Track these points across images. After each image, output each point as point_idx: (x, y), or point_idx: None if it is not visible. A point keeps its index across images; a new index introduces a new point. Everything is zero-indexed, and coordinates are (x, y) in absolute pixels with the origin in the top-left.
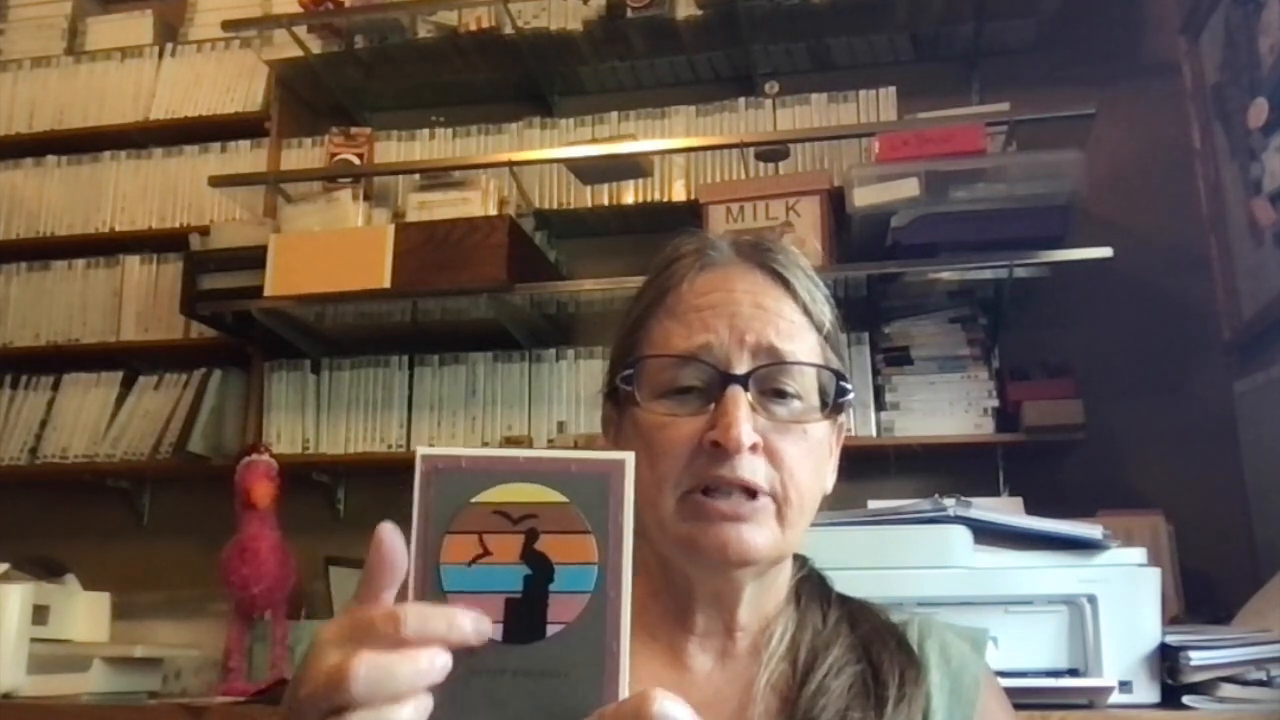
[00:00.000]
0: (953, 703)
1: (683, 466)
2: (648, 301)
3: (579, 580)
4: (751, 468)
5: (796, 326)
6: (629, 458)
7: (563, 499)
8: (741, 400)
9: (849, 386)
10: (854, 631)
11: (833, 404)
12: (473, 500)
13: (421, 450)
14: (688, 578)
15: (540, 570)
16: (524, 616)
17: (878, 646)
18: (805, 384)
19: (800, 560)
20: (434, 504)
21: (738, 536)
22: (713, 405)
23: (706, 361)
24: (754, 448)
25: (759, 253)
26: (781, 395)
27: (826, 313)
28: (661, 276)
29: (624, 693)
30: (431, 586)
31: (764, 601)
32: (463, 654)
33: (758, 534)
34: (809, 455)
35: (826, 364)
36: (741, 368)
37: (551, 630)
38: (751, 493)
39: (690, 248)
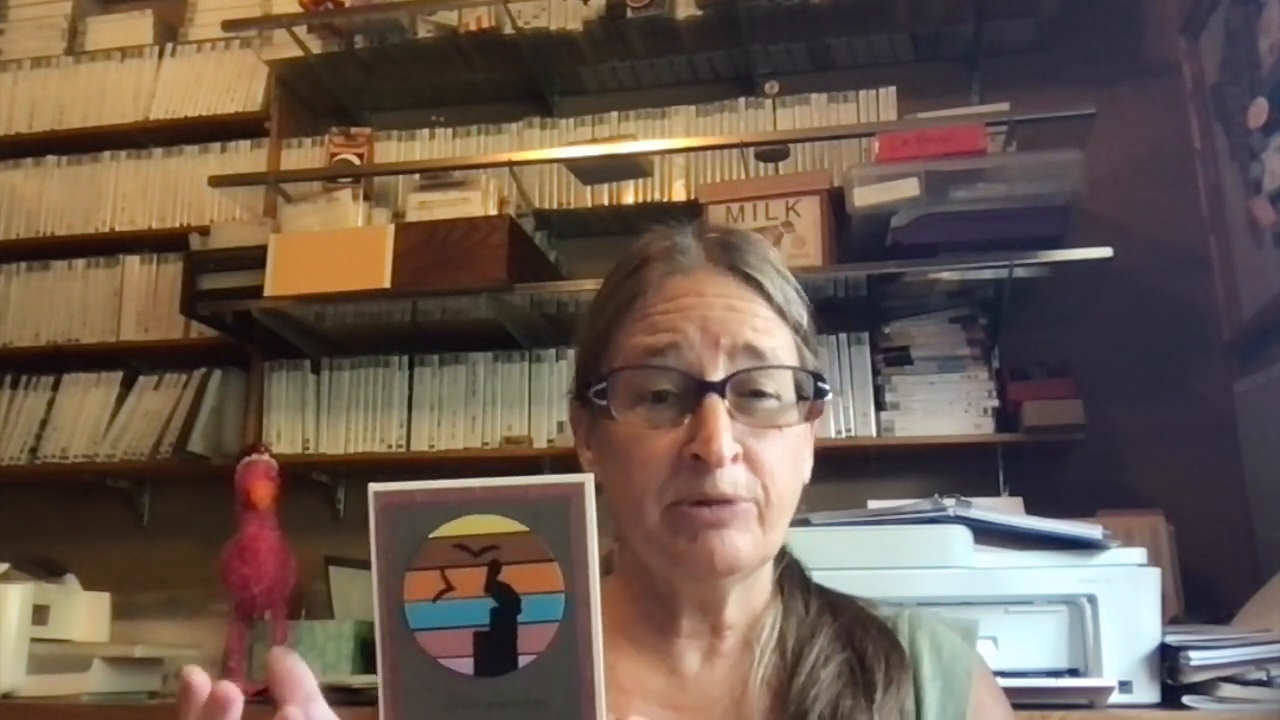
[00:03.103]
0: (945, 696)
1: (664, 480)
2: (615, 308)
3: (546, 610)
4: (732, 479)
5: (772, 324)
6: (588, 480)
7: (523, 528)
8: (720, 411)
9: (826, 387)
10: (836, 620)
11: (810, 405)
12: (431, 535)
13: (374, 487)
14: (672, 584)
15: (506, 602)
16: (494, 649)
17: (860, 634)
18: (782, 382)
19: (781, 550)
20: (392, 542)
21: (722, 544)
22: (689, 414)
23: (679, 369)
24: (734, 458)
25: (729, 254)
26: (759, 395)
27: (801, 311)
28: (629, 283)
29: (602, 717)
30: (398, 626)
31: (751, 599)
32: (435, 688)
33: (740, 540)
34: (787, 455)
35: (802, 364)
36: (717, 374)
37: (523, 661)
38: (733, 500)
39: (657, 249)
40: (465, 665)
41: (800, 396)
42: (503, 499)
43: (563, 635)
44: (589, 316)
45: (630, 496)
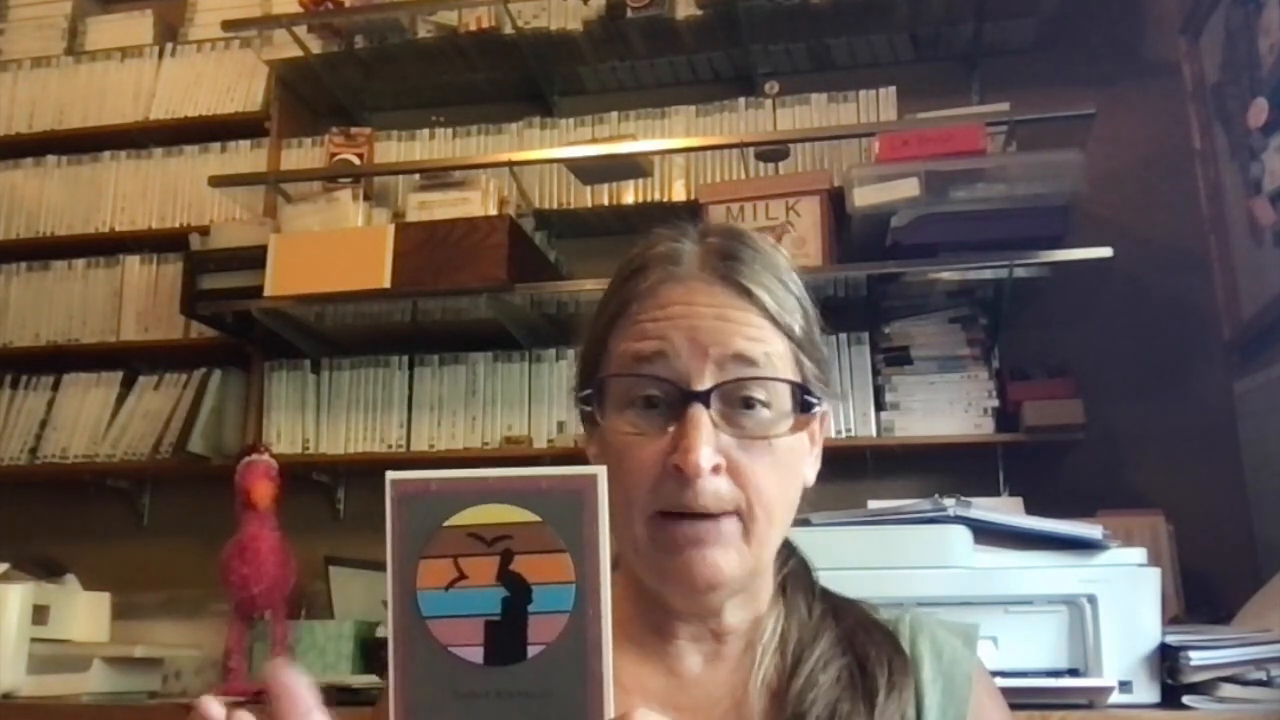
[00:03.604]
0: (946, 699)
1: (649, 489)
2: (611, 313)
3: (557, 600)
4: (714, 490)
5: (765, 332)
6: (601, 472)
7: (536, 518)
8: (702, 422)
9: (814, 400)
10: (839, 625)
11: (797, 417)
12: (445, 524)
13: (390, 475)
14: (663, 594)
15: (518, 591)
16: (504, 638)
17: (863, 638)
18: (774, 391)
19: (786, 551)
20: (406, 529)
21: (703, 561)
22: (675, 423)
23: (665, 378)
24: (716, 469)
25: (724, 264)
26: (749, 404)
27: (799, 320)
28: (625, 288)
29: (609, 711)
30: (410, 613)
31: (751, 604)
32: (444, 676)
33: (723, 557)
34: (775, 467)
35: (800, 373)
36: (703, 383)
37: (532, 651)
38: (715, 514)
39: (655, 254)
40: (475, 654)
41: (795, 402)
42: (516, 489)
43: (572, 626)
44: (591, 319)
45: (619, 504)
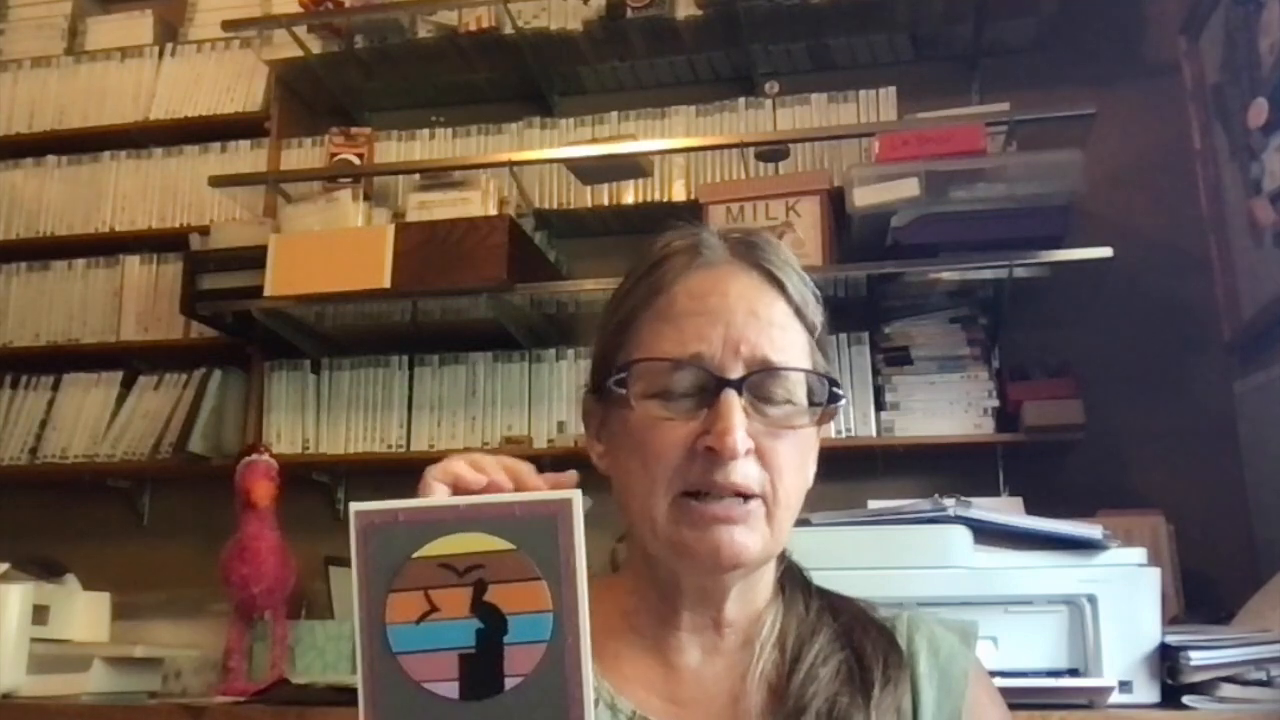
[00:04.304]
0: (941, 695)
1: (675, 469)
2: (637, 300)
3: (534, 630)
4: (744, 472)
5: (789, 333)
6: (576, 495)
7: (509, 546)
8: (736, 405)
9: (840, 393)
10: (836, 620)
11: (824, 409)
12: (415, 555)
13: (354, 506)
14: (675, 576)
15: (493, 623)
16: (480, 672)
17: (859, 634)
18: (795, 388)
19: (781, 551)
20: (374, 562)
21: (730, 540)
22: (706, 408)
23: (699, 366)
24: (747, 452)
25: (753, 252)
26: (775, 397)
27: (817, 314)
28: (653, 276)
29: None
30: (379, 649)
31: (751, 598)
32: (418, 713)
33: (749, 537)
34: (796, 455)
35: (816, 369)
36: (735, 373)
37: (510, 683)
38: (743, 495)
39: (681, 244)
40: (450, 689)
41: (812, 402)
42: (488, 516)
43: (551, 656)
44: (608, 311)
45: (642, 485)
